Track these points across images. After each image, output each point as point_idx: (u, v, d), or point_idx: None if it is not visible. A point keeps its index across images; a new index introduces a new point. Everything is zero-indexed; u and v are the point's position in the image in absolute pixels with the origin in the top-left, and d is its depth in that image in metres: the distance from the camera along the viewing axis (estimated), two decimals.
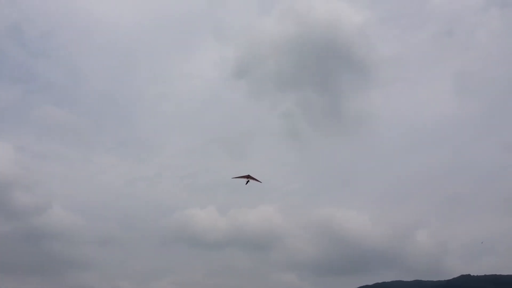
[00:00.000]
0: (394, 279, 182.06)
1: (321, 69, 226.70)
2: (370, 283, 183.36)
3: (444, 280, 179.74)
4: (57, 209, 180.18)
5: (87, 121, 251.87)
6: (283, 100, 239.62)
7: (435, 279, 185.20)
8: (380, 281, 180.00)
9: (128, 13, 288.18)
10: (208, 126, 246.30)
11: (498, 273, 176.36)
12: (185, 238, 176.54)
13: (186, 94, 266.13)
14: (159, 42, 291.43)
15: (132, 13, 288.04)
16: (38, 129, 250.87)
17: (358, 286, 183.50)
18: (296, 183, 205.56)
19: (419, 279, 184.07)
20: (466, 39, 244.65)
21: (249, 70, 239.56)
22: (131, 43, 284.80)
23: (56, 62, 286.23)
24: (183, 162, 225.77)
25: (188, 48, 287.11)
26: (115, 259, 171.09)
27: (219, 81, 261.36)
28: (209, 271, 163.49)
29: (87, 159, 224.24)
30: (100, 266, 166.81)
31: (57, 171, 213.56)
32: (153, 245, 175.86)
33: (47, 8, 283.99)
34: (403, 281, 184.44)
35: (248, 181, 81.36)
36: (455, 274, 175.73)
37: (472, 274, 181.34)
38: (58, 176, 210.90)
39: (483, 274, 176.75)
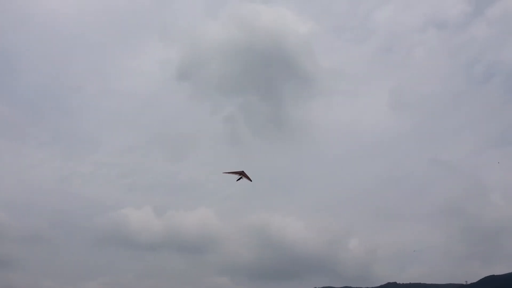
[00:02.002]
0: (325, 285, 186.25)
1: (265, 76, 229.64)
2: None
3: (372, 287, 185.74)
4: None
5: (21, 114, 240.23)
6: (226, 104, 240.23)
7: (363, 286, 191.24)
8: (311, 286, 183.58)
9: (72, 2, 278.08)
10: (149, 126, 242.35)
11: (423, 282, 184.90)
12: (118, 238, 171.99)
13: (128, 91, 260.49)
14: (103, 36, 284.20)
15: (76, 2, 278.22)
16: None
17: None
18: (234, 188, 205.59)
19: (349, 285, 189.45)
20: (404, 57, 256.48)
21: (193, 72, 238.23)
22: (73, 34, 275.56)
23: None
24: (121, 160, 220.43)
25: (132, 46, 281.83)
26: (41, 257, 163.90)
27: (163, 82, 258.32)
28: (141, 272, 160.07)
29: (18, 152, 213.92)
30: (24, 265, 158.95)
31: None
32: (84, 245, 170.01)
33: None
34: (333, 287, 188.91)
35: (241, 177, 79.56)
36: (383, 281, 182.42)
37: (398, 282, 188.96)
38: None
39: (408, 282, 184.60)
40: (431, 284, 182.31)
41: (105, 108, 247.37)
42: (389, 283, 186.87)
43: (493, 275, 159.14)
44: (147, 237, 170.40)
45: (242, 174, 78.82)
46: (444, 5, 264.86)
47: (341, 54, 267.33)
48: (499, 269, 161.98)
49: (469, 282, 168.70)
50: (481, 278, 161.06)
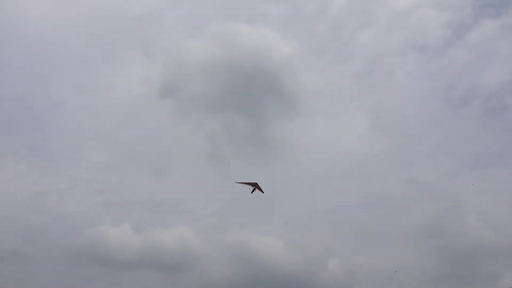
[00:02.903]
0: None
1: (248, 95, 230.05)
2: None
3: None
4: None
5: None
6: (207, 122, 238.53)
7: None
8: None
9: (52, 12, 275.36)
10: (128, 142, 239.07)
11: None
12: (95, 255, 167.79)
13: (107, 107, 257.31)
14: (85, 50, 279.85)
15: (59, 15, 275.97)
16: None
17: None
18: (214, 205, 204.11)
19: None
20: (384, 79, 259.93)
21: (175, 90, 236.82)
22: (55, 47, 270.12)
23: None
24: (98, 176, 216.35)
25: (113, 60, 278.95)
26: (14, 274, 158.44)
27: (144, 98, 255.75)
28: None
29: None
30: None
31: None
32: (58, 263, 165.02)
33: None
34: None
35: (254, 189, 78.79)
36: None
37: None
38: None
39: None
40: None
41: (84, 123, 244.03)
42: None
43: None
44: (124, 255, 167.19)
45: (255, 186, 78.18)
46: (425, 29, 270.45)
47: (323, 75, 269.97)
48: None
49: None
50: None
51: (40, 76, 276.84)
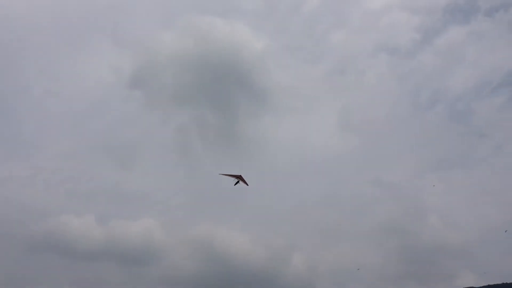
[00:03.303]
0: None
1: (219, 90, 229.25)
2: None
3: None
4: None
5: None
6: (178, 115, 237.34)
7: None
8: None
9: None
10: (96, 131, 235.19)
11: None
12: (55, 246, 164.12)
13: (75, 94, 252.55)
14: (53, 36, 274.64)
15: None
16: None
17: None
18: (181, 198, 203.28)
19: None
20: (355, 79, 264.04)
21: (145, 81, 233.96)
22: (22, 32, 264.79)
23: None
24: (63, 165, 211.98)
25: (83, 48, 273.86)
26: None
27: (113, 88, 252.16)
28: (77, 282, 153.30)
29: None
30: None
31: None
32: (17, 252, 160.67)
33: None
34: None
35: (238, 182, 77.77)
36: None
37: None
38: None
39: None
40: None
41: (49, 110, 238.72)
42: None
43: None
44: (86, 246, 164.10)
45: (239, 178, 77.38)
46: (395, 32, 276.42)
47: (295, 72, 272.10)
48: None
49: None
50: None
51: (6, 62, 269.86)
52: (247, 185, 78.45)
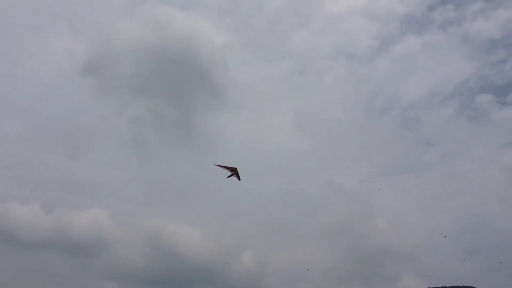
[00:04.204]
0: None
1: (177, 82, 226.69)
2: None
3: None
4: None
5: None
6: (133, 105, 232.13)
7: None
8: None
9: None
10: (47, 116, 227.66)
11: None
12: None
13: (28, 78, 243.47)
14: (6, 16, 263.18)
15: None
16: None
17: None
18: (133, 190, 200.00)
19: None
20: (313, 80, 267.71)
21: (101, 68, 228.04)
22: None
23: None
24: (10, 150, 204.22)
25: (38, 31, 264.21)
26: None
27: (67, 73, 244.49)
28: (20, 272, 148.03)
29: None
30: None
31: None
32: None
33: None
34: None
35: (232, 174, 75.56)
36: None
37: None
38: None
39: None
40: None
41: (0, 92, 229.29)
42: None
43: None
44: (30, 234, 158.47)
45: (234, 171, 75.66)
46: (355, 38, 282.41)
47: (255, 70, 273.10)
48: None
49: None
50: None
51: None
52: (239, 179, 77.44)
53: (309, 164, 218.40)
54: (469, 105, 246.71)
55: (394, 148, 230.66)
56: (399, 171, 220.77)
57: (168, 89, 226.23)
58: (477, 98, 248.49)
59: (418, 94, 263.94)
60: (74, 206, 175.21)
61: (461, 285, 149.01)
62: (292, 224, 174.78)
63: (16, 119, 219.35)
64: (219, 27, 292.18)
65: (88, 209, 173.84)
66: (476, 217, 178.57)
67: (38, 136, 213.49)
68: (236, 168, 77.19)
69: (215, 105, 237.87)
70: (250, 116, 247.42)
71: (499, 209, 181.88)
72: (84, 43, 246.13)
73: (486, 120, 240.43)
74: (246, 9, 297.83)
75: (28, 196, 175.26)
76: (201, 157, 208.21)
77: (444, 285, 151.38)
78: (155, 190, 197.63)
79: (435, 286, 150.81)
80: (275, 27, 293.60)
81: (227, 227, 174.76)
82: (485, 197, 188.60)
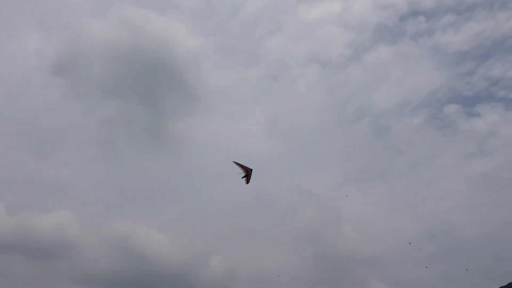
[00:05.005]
0: None
1: (148, 84, 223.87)
2: None
3: None
4: None
5: None
6: (103, 106, 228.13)
7: None
8: None
9: None
10: (13, 115, 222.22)
11: None
12: None
13: None
14: None
15: None
16: None
17: None
18: (101, 193, 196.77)
19: None
20: (287, 86, 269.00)
21: (70, 68, 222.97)
22: None
23: None
24: None
25: (6, 28, 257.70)
26: None
27: (35, 72, 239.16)
28: None
29: None
30: None
31: None
32: None
33: None
34: None
35: (245, 176, 74.13)
36: None
37: None
38: None
39: None
40: None
41: None
42: None
43: None
44: None
45: (248, 173, 74.24)
46: (328, 45, 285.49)
47: (228, 74, 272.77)
48: None
49: None
50: None
51: None
52: (247, 183, 76.68)
53: (279, 169, 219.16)
54: (438, 115, 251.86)
55: (364, 155, 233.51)
56: (369, 178, 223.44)
57: (140, 92, 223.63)
58: (446, 108, 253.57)
59: (389, 102, 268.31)
60: (39, 208, 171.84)
61: None
62: (261, 229, 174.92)
63: None
64: (194, 30, 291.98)
65: (53, 211, 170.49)
66: (442, 224, 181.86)
67: (3, 136, 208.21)
68: (251, 170, 76.33)
69: (188, 109, 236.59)
70: (223, 121, 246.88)
71: (463, 217, 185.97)
72: (54, 42, 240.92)
73: (453, 130, 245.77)
74: (221, 14, 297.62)
75: None
76: (172, 161, 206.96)
77: None
78: (123, 193, 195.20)
79: None
80: (250, 32, 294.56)
81: (196, 232, 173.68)
82: (451, 205, 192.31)
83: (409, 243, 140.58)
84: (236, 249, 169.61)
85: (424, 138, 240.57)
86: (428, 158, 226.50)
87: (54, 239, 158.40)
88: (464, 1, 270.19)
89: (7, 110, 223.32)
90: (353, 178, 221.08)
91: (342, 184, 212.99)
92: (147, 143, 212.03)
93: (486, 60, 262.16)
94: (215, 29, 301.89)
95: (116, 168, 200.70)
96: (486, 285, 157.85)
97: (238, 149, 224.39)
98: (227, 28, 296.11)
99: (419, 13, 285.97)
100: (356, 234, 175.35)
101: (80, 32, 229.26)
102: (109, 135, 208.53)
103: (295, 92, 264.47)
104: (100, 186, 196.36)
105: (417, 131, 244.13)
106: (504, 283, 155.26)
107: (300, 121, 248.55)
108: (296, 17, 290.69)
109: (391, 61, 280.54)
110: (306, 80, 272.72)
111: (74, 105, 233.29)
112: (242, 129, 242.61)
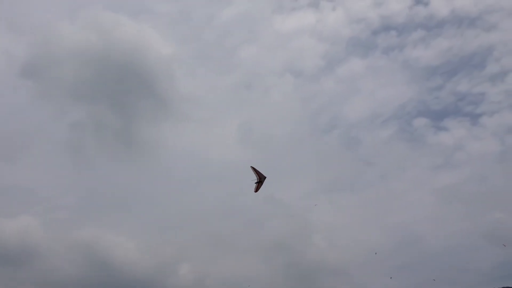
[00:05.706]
0: None
1: (120, 90, 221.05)
2: None
3: None
4: None
5: None
6: (72, 111, 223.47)
7: None
8: None
9: None
10: None
11: None
12: None
13: None
14: None
15: None
16: None
17: None
18: (68, 198, 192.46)
19: None
20: (260, 96, 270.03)
21: (39, 72, 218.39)
22: None
23: None
24: None
25: None
26: None
27: (3, 74, 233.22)
28: None
29: None
30: None
31: None
32: None
33: None
34: None
35: (259, 182, 72.19)
36: None
37: None
38: None
39: None
40: None
41: None
42: None
43: None
44: None
45: (260, 180, 72.88)
46: (302, 56, 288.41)
47: (201, 82, 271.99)
48: None
49: None
50: None
51: None
52: (255, 191, 75.35)
53: (250, 177, 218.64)
54: (407, 128, 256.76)
55: (335, 166, 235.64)
56: (339, 188, 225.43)
57: (110, 97, 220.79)
58: (415, 121, 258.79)
59: (360, 114, 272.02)
60: (2, 213, 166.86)
61: None
62: (231, 238, 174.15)
63: None
64: (167, 36, 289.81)
65: (17, 216, 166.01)
66: (410, 235, 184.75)
67: None
68: (265, 177, 75.56)
69: (159, 115, 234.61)
70: (194, 128, 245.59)
71: (430, 228, 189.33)
72: (23, 44, 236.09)
73: (421, 143, 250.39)
74: (196, 21, 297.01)
75: None
76: (142, 167, 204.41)
77: None
78: (91, 198, 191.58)
79: None
80: (224, 40, 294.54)
81: (164, 239, 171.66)
82: (418, 216, 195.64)
83: (375, 253, 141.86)
84: (205, 257, 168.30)
85: (393, 150, 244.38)
86: (397, 170, 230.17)
87: (17, 244, 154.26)
88: (434, 18, 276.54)
89: None
90: (323, 188, 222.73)
91: (313, 194, 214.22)
92: (117, 149, 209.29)
93: (453, 76, 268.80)
94: (189, 37, 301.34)
95: (84, 173, 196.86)
96: None
97: (210, 156, 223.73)
98: (201, 35, 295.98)
99: (391, 28, 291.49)
100: (325, 243, 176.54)
101: (50, 35, 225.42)
102: (78, 139, 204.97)
103: (268, 102, 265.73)
104: (67, 192, 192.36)
105: (387, 143, 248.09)
106: None
107: (272, 130, 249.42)
108: (271, 27, 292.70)
109: (363, 74, 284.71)
110: (279, 90, 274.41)
111: (43, 108, 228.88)
112: (214, 137, 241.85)
